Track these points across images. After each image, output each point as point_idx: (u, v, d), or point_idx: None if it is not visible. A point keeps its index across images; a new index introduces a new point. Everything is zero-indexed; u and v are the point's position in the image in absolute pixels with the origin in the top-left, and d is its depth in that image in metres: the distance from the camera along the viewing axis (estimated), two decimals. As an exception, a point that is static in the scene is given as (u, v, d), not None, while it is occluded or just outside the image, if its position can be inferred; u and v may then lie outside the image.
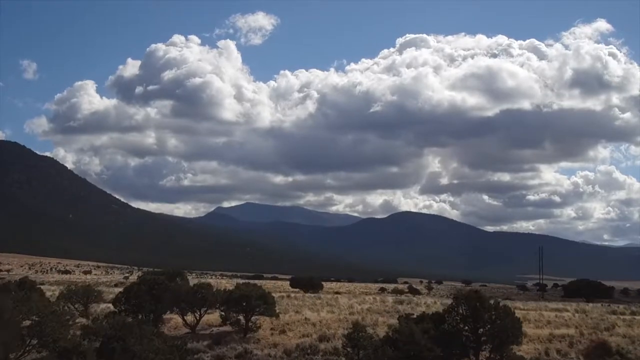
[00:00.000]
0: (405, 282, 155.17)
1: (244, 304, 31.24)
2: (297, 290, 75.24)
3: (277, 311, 33.35)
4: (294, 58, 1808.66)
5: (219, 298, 32.99)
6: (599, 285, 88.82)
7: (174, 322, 34.26)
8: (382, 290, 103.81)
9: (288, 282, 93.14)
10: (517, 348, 26.31)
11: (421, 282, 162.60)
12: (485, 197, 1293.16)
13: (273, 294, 37.59)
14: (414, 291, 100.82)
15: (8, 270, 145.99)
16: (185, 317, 33.09)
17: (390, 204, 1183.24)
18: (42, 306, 22.89)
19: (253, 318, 31.79)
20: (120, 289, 39.56)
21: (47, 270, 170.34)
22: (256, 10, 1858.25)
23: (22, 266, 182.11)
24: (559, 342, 30.81)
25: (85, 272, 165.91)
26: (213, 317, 34.43)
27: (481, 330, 24.52)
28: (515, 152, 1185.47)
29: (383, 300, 51.22)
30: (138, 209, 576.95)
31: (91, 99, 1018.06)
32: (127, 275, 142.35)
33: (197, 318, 33.19)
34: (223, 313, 33.13)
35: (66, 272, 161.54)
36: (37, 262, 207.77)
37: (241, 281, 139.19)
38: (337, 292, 75.60)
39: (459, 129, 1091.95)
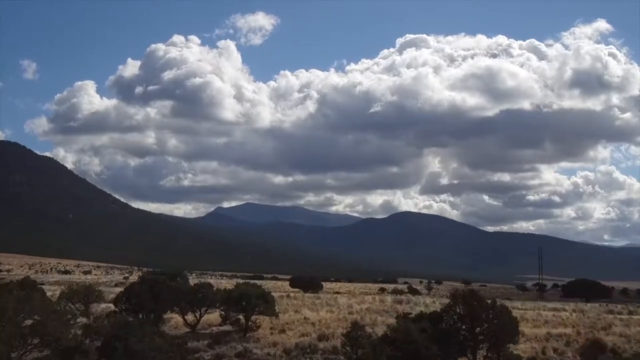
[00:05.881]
0: (405, 283, 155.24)
1: (244, 303, 31.51)
2: (297, 290, 75.26)
3: (277, 311, 33.70)
4: (293, 58, 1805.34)
5: (218, 297, 33.25)
6: (598, 285, 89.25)
7: (174, 321, 34.39)
8: (382, 290, 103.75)
9: (288, 283, 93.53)
10: (514, 347, 26.63)
11: (421, 282, 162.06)
12: (485, 197, 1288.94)
13: (273, 294, 38.13)
14: (413, 291, 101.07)
15: (8, 271, 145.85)
16: (185, 317, 33.31)
17: (390, 204, 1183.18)
18: (43, 305, 23.13)
19: (253, 317, 31.99)
20: (121, 289, 39.81)
21: (47, 271, 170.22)
22: (256, 11, 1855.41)
23: (22, 266, 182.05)
24: (555, 341, 31.07)
25: (85, 272, 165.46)
26: (213, 316, 34.64)
27: (478, 329, 24.82)
28: (515, 152, 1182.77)
29: (382, 300, 51.51)
30: (138, 209, 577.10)
31: (91, 99, 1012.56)
32: (126, 275, 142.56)
33: (197, 317, 33.41)
34: (223, 312, 33.44)
35: (66, 272, 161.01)
36: (37, 262, 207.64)
37: (241, 281, 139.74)
38: (337, 292, 75.78)
39: (459, 129, 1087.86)
